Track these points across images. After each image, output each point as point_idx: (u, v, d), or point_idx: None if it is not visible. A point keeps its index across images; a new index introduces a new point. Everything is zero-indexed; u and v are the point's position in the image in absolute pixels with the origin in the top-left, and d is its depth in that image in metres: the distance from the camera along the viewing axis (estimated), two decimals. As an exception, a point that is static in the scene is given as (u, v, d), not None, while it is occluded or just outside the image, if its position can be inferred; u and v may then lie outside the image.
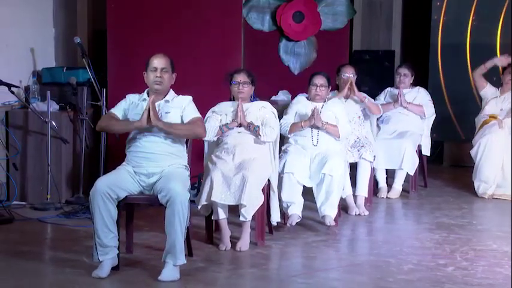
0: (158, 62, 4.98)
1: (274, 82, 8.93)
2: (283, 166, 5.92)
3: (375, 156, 6.81)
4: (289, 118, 6.22)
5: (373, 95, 7.70)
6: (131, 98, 5.08)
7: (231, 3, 6.98)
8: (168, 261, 4.66)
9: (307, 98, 6.30)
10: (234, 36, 6.76)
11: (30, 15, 7.26)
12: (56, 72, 7.13)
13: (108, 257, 4.72)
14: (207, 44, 6.74)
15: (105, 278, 4.67)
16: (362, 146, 6.72)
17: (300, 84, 8.74)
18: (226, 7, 6.87)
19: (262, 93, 8.47)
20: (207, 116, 5.62)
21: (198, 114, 5.02)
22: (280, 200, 5.87)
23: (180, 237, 4.64)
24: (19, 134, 6.78)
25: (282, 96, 8.88)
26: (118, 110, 5.04)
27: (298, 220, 5.88)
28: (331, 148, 6.05)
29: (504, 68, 7.76)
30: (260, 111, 5.69)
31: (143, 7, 6.92)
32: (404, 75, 7.55)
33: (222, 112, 5.69)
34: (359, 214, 6.56)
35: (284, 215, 6.00)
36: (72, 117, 6.89)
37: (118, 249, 4.79)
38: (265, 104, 5.78)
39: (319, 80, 6.19)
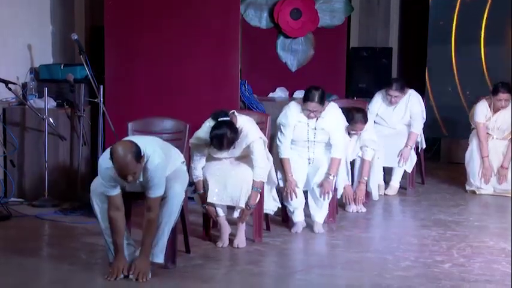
0: (123, 174, 4.39)
1: (271, 79, 8.94)
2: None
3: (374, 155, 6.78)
4: (287, 139, 5.82)
5: (370, 93, 7.68)
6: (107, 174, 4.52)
7: (229, 0, 6.97)
8: None
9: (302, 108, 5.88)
10: (232, 33, 6.74)
11: (28, 12, 7.24)
12: (53, 69, 7.11)
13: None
14: (205, 41, 6.73)
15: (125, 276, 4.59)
16: (366, 146, 6.65)
17: (297, 81, 8.78)
18: (223, 4, 6.85)
19: (259, 90, 8.51)
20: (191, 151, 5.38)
21: (160, 193, 4.59)
22: (283, 206, 5.85)
23: (165, 236, 4.64)
24: (16, 131, 6.76)
25: (280, 93, 8.89)
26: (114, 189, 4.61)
27: (303, 227, 5.86)
28: (327, 155, 5.91)
29: (494, 90, 7.24)
30: (245, 148, 5.35)
31: (141, 3, 6.90)
32: (396, 97, 7.21)
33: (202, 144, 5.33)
34: (356, 211, 6.56)
35: (286, 215, 6.00)
36: (69, 114, 6.88)
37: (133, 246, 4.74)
38: (249, 139, 5.30)
39: (313, 107, 5.74)
